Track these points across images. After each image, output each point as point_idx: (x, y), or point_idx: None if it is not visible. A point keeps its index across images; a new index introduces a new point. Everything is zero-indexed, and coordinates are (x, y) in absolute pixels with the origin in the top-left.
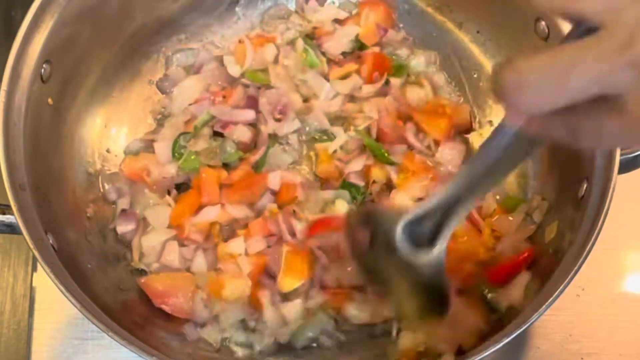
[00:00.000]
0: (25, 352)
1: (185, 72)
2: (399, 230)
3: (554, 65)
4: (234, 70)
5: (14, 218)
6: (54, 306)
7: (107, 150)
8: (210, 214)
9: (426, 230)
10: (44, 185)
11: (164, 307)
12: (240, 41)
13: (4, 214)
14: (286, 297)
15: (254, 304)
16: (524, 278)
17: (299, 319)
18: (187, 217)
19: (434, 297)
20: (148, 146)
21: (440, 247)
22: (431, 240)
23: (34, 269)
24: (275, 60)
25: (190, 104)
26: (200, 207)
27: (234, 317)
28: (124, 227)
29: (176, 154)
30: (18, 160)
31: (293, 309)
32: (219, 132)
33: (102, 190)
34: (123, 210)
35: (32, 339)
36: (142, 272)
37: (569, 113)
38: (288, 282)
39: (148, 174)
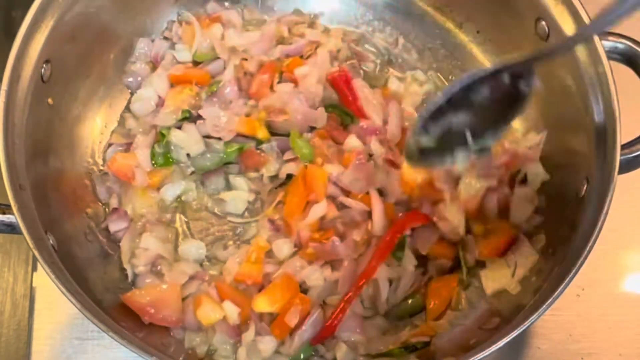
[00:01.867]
0: (25, 352)
1: (150, 68)
2: None
3: None
4: (184, 56)
5: (14, 218)
6: (54, 306)
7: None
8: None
9: None
10: (43, 185)
11: (153, 321)
12: (187, 23)
13: (4, 213)
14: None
15: (243, 318)
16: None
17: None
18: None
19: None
20: (126, 150)
21: None
22: None
23: (34, 269)
24: (221, 37)
25: (152, 110)
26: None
27: (218, 339)
28: (116, 226)
29: (154, 163)
30: (18, 160)
31: (269, 346)
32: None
33: (90, 188)
34: (114, 209)
35: (32, 339)
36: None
37: None
38: (261, 302)
39: (133, 176)
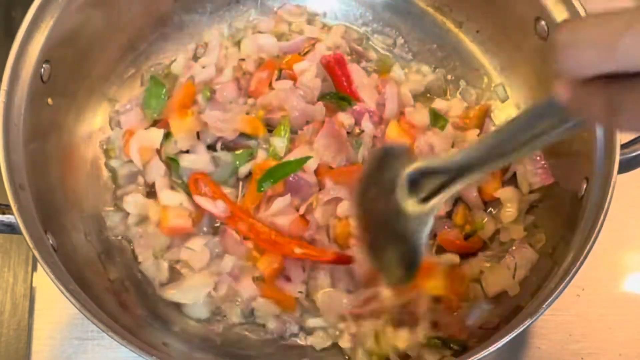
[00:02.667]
0: (25, 352)
1: None
2: (405, 172)
3: (608, 25)
4: None
5: (13, 218)
6: (54, 306)
7: (107, 150)
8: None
9: (428, 186)
10: (43, 185)
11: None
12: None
13: (3, 213)
14: None
15: None
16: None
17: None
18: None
19: (407, 255)
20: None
21: (433, 205)
22: (428, 198)
23: (34, 269)
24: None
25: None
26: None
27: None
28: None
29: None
30: (18, 160)
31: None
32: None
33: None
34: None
35: (32, 339)
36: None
37: (616, 87)
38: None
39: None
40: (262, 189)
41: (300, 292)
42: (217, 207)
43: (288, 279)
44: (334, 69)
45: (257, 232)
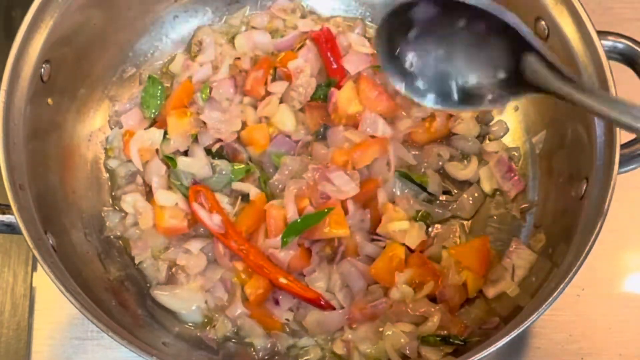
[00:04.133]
0: (25, 352)
1: None
2: None
3: None
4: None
5: (13, 218)
6: (54, 306)
7: (107, 149)
8: None
9: None
10: (43, 185)
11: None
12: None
13: (3, 213)
14: None
15: None
16: None
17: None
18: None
19: None
20: None
21: None
22: None
23: (34, 269)
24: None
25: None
26: None
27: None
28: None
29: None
30: (18, 160)
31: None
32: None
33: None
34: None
35: (32, 339)
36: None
37: None
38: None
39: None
40: (287, 243)
41: (287, 319)
42: (213, 221)
43: (277, 302)
44: (322, 45)
45: (247, 254)
